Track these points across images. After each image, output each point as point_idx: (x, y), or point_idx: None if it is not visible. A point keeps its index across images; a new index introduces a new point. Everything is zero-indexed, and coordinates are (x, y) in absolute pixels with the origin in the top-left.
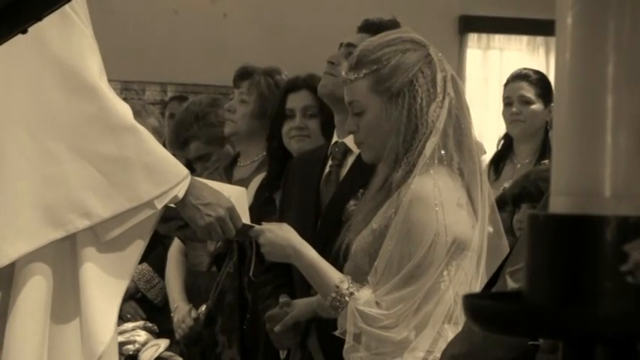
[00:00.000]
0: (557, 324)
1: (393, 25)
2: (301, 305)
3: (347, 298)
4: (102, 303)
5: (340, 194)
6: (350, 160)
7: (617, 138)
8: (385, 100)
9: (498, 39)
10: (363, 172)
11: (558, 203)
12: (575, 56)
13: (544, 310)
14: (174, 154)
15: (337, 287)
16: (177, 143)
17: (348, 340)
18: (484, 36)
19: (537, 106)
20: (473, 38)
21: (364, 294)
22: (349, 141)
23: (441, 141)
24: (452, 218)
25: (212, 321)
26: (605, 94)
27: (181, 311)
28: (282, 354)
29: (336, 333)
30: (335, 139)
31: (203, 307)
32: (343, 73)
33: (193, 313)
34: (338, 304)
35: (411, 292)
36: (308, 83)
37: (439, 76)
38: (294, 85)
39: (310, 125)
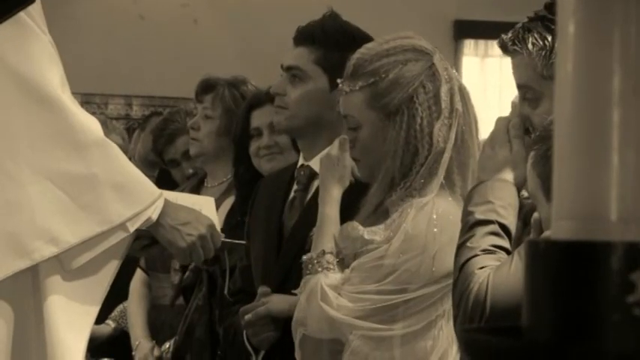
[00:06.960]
0: None
1: (334, 25)
2: (278, 299)
3: (319, 269)
4: (69, 341)
5: (302, 222)
6: (316, 184)
7: (624, 156)
8: (382, 118)
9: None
10: None
11: (560, 228)
12: (579, 67)
13: (546, 346)
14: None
15: (322, 252)
16: (161, 141)
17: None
18: (481, 42)
19: None
20: (469, 45)
21: (334, 278)
22: (315, 164)
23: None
24: (451, 256)
25: (180, 358)
26: (610, 109)
27: (143, 349)
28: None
29: (295, 291)
30: (301, 161)
31: (167, 345)
32: (338, 81)
33: (156, 351)
34: (310, 266)
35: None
36: (272, 97)
37: (443, 90)
38: (258, 101)
39: (280, 141)
